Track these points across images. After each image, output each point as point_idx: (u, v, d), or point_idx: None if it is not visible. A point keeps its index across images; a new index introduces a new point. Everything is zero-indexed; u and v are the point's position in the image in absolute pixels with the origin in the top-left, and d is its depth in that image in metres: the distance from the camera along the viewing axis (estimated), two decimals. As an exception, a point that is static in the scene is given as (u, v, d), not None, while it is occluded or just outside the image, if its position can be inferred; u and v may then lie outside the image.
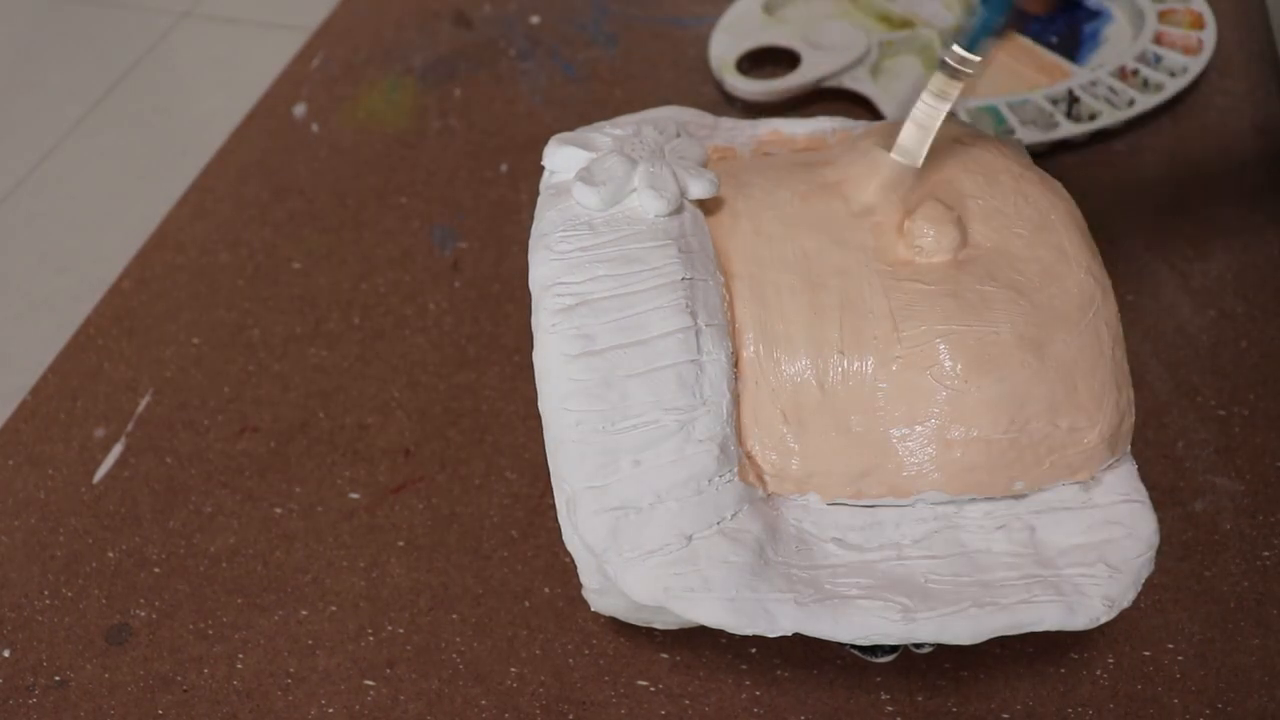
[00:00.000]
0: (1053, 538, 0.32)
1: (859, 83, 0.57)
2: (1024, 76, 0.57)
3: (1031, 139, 0.52)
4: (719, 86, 0.58)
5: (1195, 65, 0.56)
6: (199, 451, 0.44)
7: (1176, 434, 0.42)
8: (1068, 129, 0.53)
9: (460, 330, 0.48)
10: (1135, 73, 0.56)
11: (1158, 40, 0.57)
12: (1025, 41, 0.58)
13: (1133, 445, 0.33)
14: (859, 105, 0.57)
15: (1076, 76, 0.55)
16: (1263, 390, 0.43)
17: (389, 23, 0.65)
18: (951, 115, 0.35)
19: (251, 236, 0.52)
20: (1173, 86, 0.55)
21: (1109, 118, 0.53)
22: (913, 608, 0.30)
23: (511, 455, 0.43)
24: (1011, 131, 0.53)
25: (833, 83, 0.57)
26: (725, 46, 0.59)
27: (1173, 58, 0.56)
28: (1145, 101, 0.54)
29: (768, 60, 0.59)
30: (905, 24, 0.60)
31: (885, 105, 0.55)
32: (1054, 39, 0.59)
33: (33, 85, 1.17)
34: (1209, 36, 0.58)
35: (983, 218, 0.34)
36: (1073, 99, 0.54)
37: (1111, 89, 0.55)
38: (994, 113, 0.54)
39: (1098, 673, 0.36)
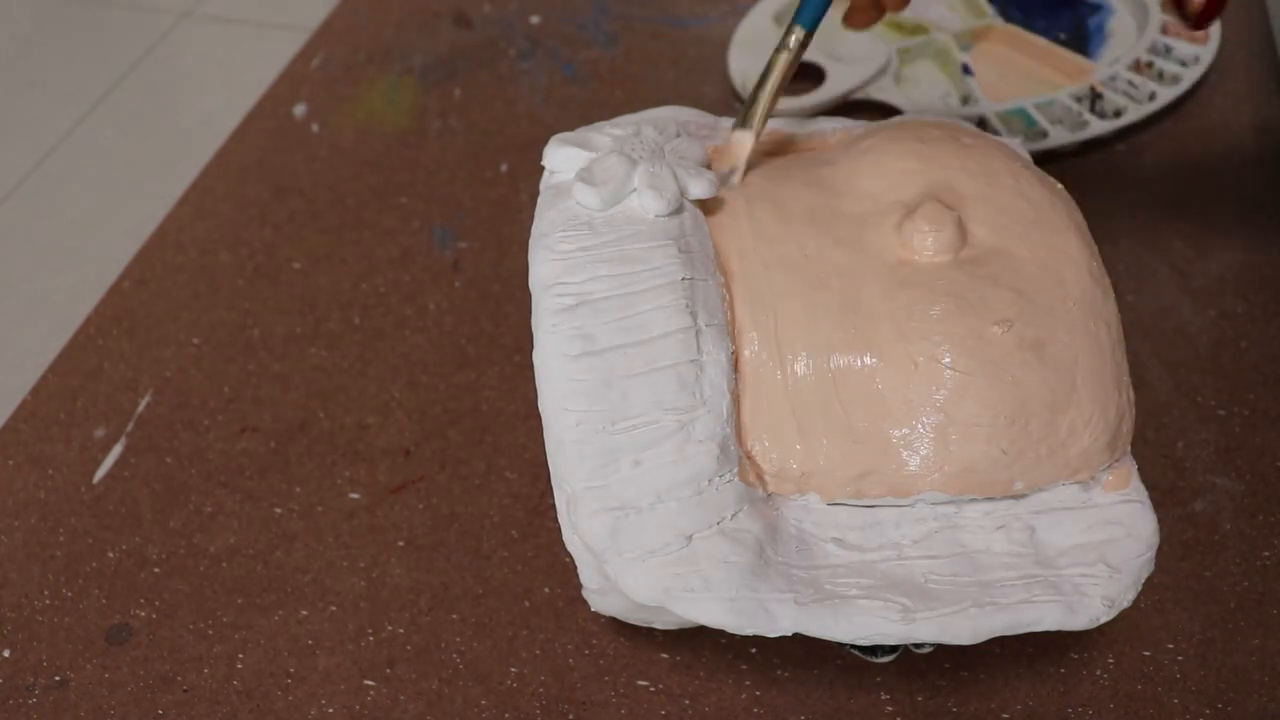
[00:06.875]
0: (1053, 538, 0.32)
1: (885, 92, 0.56)
2: (1043, 77, 0.57)
3: (1062, 139, 0.52)
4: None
5: (1206, 54, 0.56)
6: (199, 451, 0.44)
7: (1176, 434, 0.42)
8: (1098, 126, 0.53)
9: (460, 330, 0.48)
10: (1150, 65, 0.56)
11: (1164, 30, 0.57)
12: (1041, 41, 0.58)
13: (1133, 445, 0.33)
14: (886, 114, 0.56)
15: (1096, 73, 0.55)
16: (1263, 390, 0.43)
17: (389, 23, 0.65)
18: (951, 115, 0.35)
19: (251, 236, 0.52)
20: (1189, 77, 0.55)
21: (1135, 113, 0.53)
22: (913, 608, 0.30)
23: (511, 455, 0.43)
24: (1044, 133, 0.53)
25: (859, 95, 0.57)
26: (746, 62, 0.58)
27: (1182, 47, 0.56)
28: (1166, 94, 0.54)
29: None
30: (918, 30, 0.60)
31: (913, 112, 0.54)
32: (1061, 35, 0.59)
33: (33, 85, 1.17)
34: (1211, 28, 0.57)
35: (983, 218, 0.34)
36: (1095, 95, 0.54)
37: (1131, 83, 0.55)
38: (1023, 115, 0.54)
39: (1098, 673, 0.36)
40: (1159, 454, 0.41)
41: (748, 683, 0.36)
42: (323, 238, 0.52)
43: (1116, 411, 0.32)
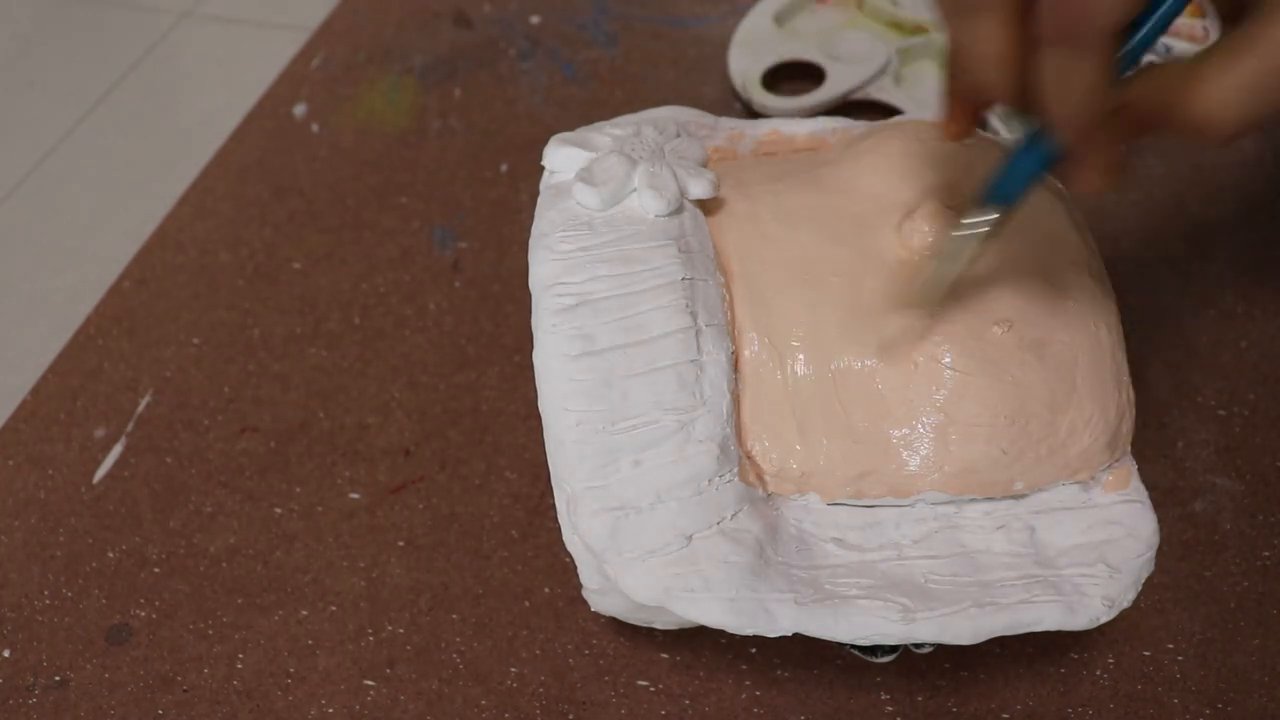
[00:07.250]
0: (1052, 538, 0.32)
1: (885, 92, 0.56)
2: None
3: None
4: (747, 105, 0.57)
5: None
6: (199, 451, 0.44)
7: (1176, 434, 0.42)
8: None
9: (460, 330, 0.48)
10: (1151, 65, 0.56)
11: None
12: None
13: (1133, 445, 0.33)
14: (886, 114, 0.56)
15: None
16: (1263, 390, 0.43)
17: (389, 23, 0.65)
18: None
19: (251, 236, 0.52)
20: None
21: None
22: (913, 608, 0.30)
23: (511, 455, 0.43)
24: None
25: (859, 95, 0.57)
26: (747, 63, 0.58)
27: (1182, 47, 0.56)
28: None
29: (783, 72, 0.59)
30: (918, 29, 0.59)
31: (913, 112, 0.54)
32: None
33: (33, 85, 1.17)
34: (1213, 26, 0.57)
35: (983, 218, 0.33)
36: None
37: None
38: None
39: (1098, 673, 0.36)
40: (1159, 454, 0.41)
41: (748, 683, 0.36)
42: (323, 238, 0.52)
43: (1116, 411, 0.32)
